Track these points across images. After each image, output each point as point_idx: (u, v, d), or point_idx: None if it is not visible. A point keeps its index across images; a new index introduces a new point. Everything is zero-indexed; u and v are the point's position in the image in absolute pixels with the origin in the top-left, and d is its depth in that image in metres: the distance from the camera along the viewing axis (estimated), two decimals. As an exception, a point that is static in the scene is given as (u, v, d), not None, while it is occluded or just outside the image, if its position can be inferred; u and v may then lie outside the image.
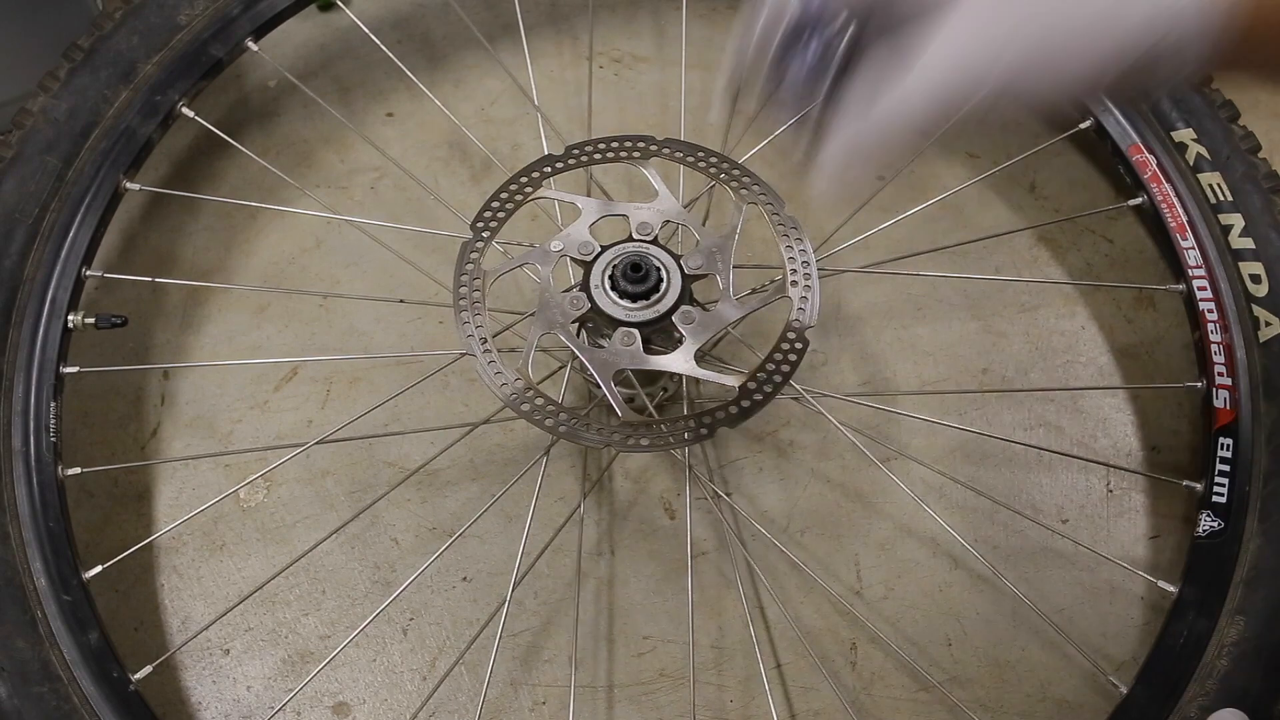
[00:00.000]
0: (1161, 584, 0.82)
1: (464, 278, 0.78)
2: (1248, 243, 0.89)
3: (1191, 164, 0.92)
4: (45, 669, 0.72)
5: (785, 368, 0.75)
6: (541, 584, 0.87)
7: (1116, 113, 0.96)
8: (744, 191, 0.82)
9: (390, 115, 1.09)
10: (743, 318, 0.78)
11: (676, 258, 0.78)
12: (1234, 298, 0.88)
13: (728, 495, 0.90)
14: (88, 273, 0.85)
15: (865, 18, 0.55)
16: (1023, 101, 0.54)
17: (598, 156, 0.83)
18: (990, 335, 0.99)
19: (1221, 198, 0.91)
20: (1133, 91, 0.66)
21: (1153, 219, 0.94)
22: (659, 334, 0.78)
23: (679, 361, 0.75)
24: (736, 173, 0.83)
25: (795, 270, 0.79)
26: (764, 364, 0.75)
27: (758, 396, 0.74)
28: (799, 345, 0.76)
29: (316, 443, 0.84)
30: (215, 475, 0.90)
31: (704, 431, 0.73)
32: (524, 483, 0.84)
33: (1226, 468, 0.83)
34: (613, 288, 0.76)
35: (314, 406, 0.94)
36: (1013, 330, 0.99)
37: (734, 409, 0.73)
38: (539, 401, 0.74)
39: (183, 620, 0.85)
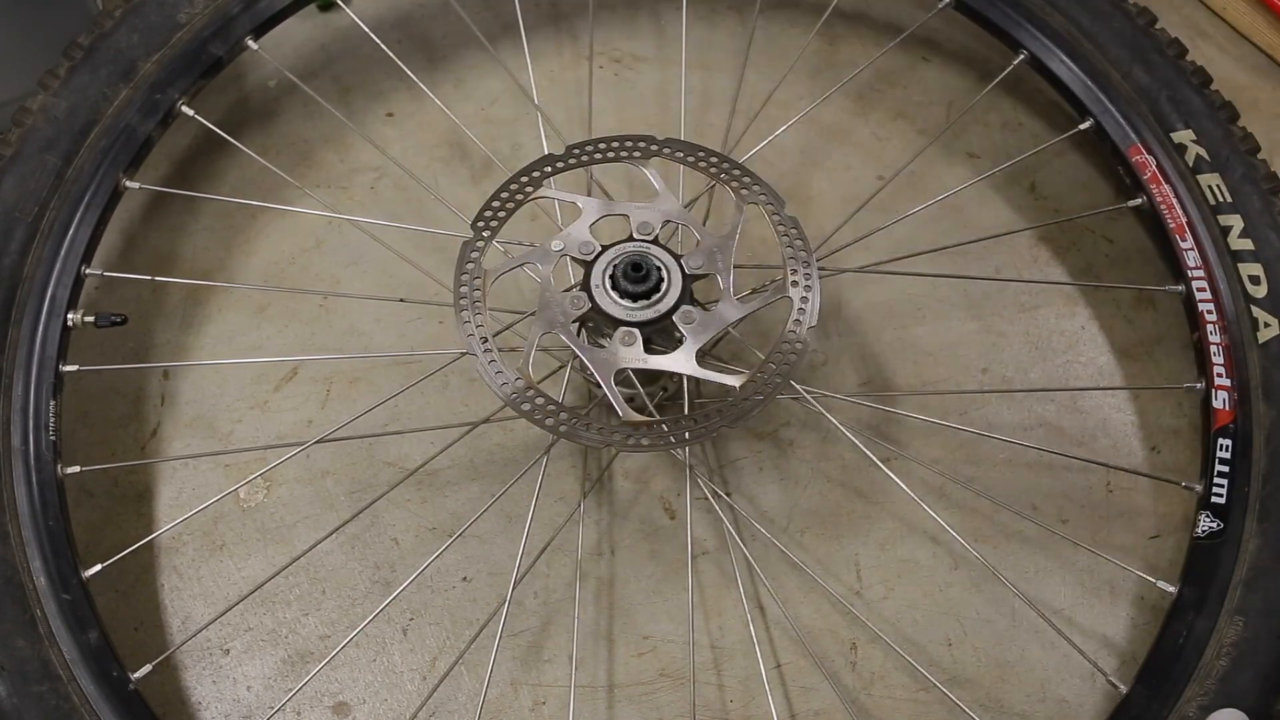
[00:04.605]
0: (1161, 584, 0.82)
1: (464, 277, 0.78)
2: (1247, 244, 0.89)
3: (1191, 165, 0.93)
4: (45, 668, 0.72)
5: (785, 367, 0.75)
6: (541, 584, 0.87)
7: (1116, 113, 0.96)
8: (744, 191, 0.82)
9: (390, 115, 1.09)
10: (743, 318, 0.78)
11: (677, 257, 0.78)
12: (1233, 299, 0.88)
13: (728, 495, 0.90)
14: (87, 271, 0.85)
15: None
16: None
17: (598, 156, 0.83)
18: (990, 335, 0.99)
19: (1221, 199, 0.91)
20: None
21: (1152, 220, 0.94)
22: (659, 333, 0.78)
23: (680, 361, 0.75)
24: (737, 173, 0.83)
25: (795, 270, 0.79)
26: (764, 364, 0.75)
27: (758, 396, 0.74)
28: (799, 345, 0.76)
29: (316, 442, 0.84)
30: (215, 475, 0.90)
31: (704, 431, 0.73)
32: (524, 483, 0.84)
33: (1225, 468, 0.83)
34: (613, 287, 0.77)
35: (314, 406, 0.94)
36: (1013, 330, 0.99)
37: (734, 408, 0.73)
38: (539, 401, 0.74)
39: (183, 620, 0.85)
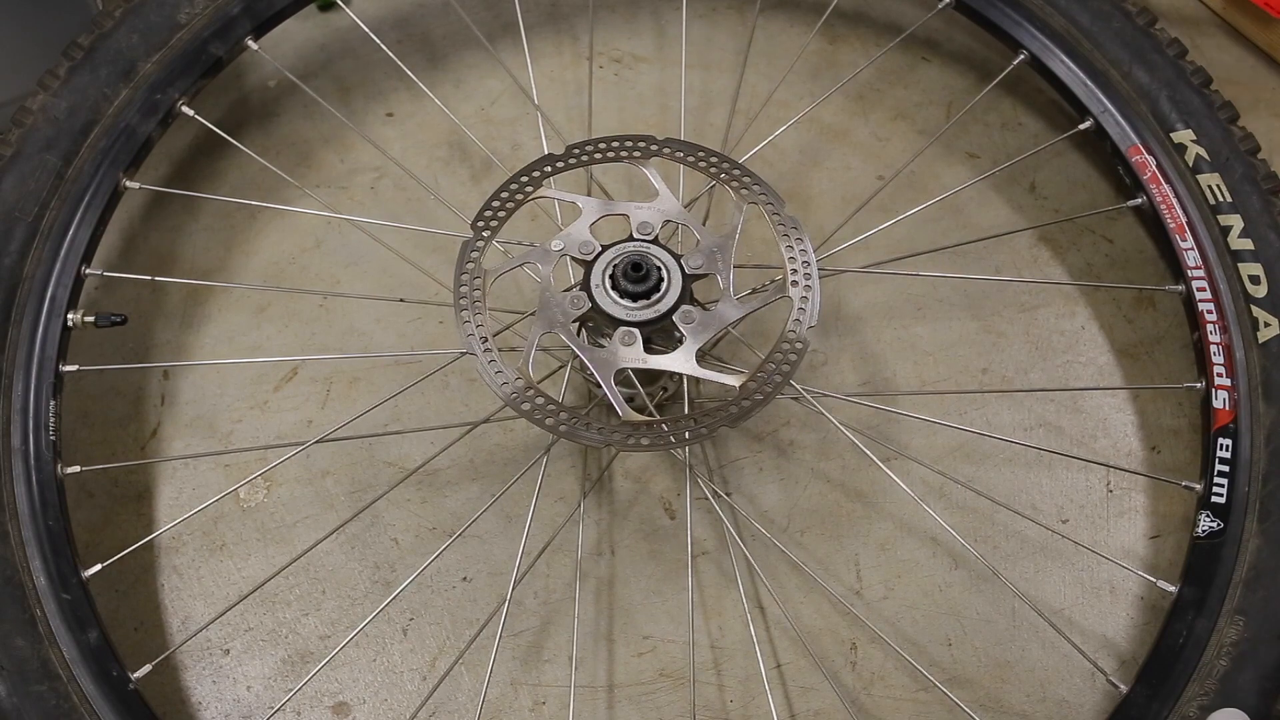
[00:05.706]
0: (1161, 584, 0.82)
1: (464, 277, 0.78)
2: (1247, 244, 0.89)
3: (1191, 165, 0.93)
4: (45, 667, 0.72)
5: (785, 367, 0.75)
6: (541, 584, 0.87)
7: (1116, 113, 0.96)
8: (744, 191, 0.82)
9: (390, 115, 1.09)
10: (743, 317, 0.78)
11: (677, 257, 0.78)
12: (1233, 299, 0.88)
13: (728, 495, 0.90)
14: (87, 271, 0.85)
15: None
16: None
17: (598, 156, 0.83)
18: (990, 335, 0.99)
19: (1221, 199, 0.91)
20: None
21: (1152, 220, 0.94)
22: (659, 333, 0.78)
23: (679, 361, 0.75)
24: (737, 172, 0.83)
25: (795, 270, 0.79)
26: (764, 363, 0.75)
27: (758, 396, 0.74)
28: (799, 345, 0.76)
29: (316, 442, 0.84)
30: (215, 475, 0.90)
31: (704, 431, 0.73)
32: (524, 482, 0.84)
33: (1225, 468, 0.83)
34: (613, 287, 0.77)
35: (314, 406, 0.94)
36: (1013, 330, 0.99)
37: (734, 408, 0.73)
38: (539, 401, 0.74)
39: (183, 620, 0.85)
